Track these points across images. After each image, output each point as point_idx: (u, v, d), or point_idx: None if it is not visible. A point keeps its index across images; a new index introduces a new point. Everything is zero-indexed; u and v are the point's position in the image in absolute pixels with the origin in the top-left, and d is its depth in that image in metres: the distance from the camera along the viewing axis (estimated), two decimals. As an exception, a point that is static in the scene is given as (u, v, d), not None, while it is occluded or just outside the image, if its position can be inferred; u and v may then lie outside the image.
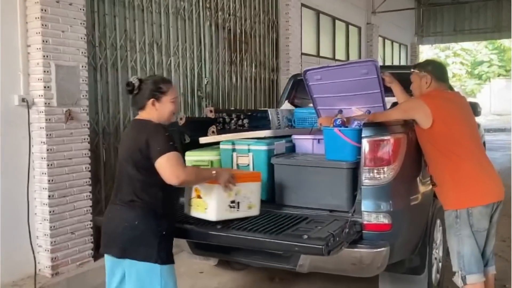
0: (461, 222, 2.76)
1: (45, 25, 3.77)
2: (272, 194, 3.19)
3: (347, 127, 3.13)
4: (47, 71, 3.79)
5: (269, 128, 3.93)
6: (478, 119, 3.70)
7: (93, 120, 4.42)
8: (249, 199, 2.82)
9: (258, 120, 4.18)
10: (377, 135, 2.79)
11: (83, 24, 4.10)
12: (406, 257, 3.06)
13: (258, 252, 2.89)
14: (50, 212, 3.81)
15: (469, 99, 3.46)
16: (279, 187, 3.16)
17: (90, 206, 4.15)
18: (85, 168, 4.10)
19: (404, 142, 2.88)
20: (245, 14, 6.89)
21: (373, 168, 2.77)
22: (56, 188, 3.85)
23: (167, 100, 2.52)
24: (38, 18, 3.73)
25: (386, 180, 2.77)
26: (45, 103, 3.79)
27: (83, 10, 4.08)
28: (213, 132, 3.76)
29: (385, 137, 2.79)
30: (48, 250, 3.83)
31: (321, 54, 9.79)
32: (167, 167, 2.34)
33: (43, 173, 3.81)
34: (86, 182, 4.11)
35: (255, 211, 2.87)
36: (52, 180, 3.82)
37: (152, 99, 2.49)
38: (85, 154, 4.10)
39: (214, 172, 2.64)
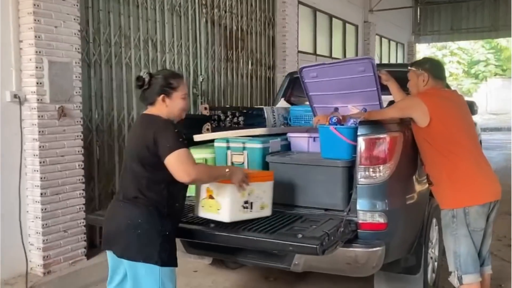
0: (458, 221, 2.73)
1: (38, 21, 3.71)
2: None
3: (343, 125, 3.10)
4: (40, 67, 3.74)
5: (264, 126, 3.90)
6: (474, 118, 3.67)
7: (87, 117, 4.37)
8: (262, 199, 2.74)
9: (253, 118, 4.15)
10: (373, 133, 2.77)
11: (77, 19, 4.05)
12: (401, 256, 3.04)
13: (253, 251, 2.86)
14: (42, 210, 3.77)
15: (466, 98, 3.44)
16: (273, 185, 3.12)
17: (83, 204, 4.11)
18: (78, 165, 4.06)
19: (400, 140, 2.86)
20: (241, 11, 6.85)
21: (368, 166, 2.75)
22: (48, 186, 3.81)
23: (178, 97, 2.44)
24: (31, 13, 3.68)
25: (382, 179, 2.75)
26: (38, 100, 3.74)
27: (77, 5, 4.03)
28: (207, 129, 3.73)
29: (381, 136, 2.76)
30: (40, 249, 3.79)
31: (318, 52, 9.76)
32: (177, 164, 2.27)
33: (35, 171, 3.76)
34: (79, 179, 4.07)
35: (267, 212, 2.79)
36: (45, 178, 3.78)
37: (162, 95, 2.41)
38: (78, 151, 4.05)
39: (227, 170, 2.55)
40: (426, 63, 3.03)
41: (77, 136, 4.04)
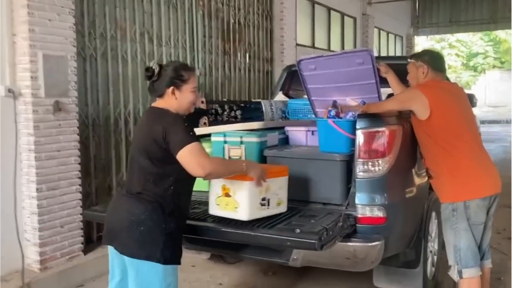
0: (458, 215, 2.70)
1: (32, 14, 3.66)
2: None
3: (341, 118, 3.06)
4: (34, 61, 3.69)
5: (262, 120, 3.87)
6: (474, 111, 3.64)
7: (83, 111, 4.32)
8: (278, 195, 2.68)
9: (251, 112, 4.12)
10: (372, 126, 2.73)
11: (72, 12, 3.99)
12: (401, 250, 3.01)
13: (251, 246, 2.83)
14: (38, 205, 3.73)
15: (465, 91, 3.40)
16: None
17: (80, 199, 4.07)
18: (75, 160, 4.02)
19: (400, 133, 2.83)
20: (239, 4, 6.79)
21: (367, 160, 2.71)
22: (44, 181, 3.77)
23: (188, 89, 2.36)
24: (24, 6, 3.62)
25: (381, 173, 2.72)
26: (32, 94, 3.69)
27: (72, -2, 3.98)
28: (204, 123, 3.69)
29: (380, 129, 2.73)
30: (36, 244, 3.75)
31: (316, 45, 9.71)
32: (190, 158, 2.20)
33: (30, 166, 3.72)
34: (75, 174, 4.03)
35: (283, 208, 2.74)
36: (40, 173, 3.74)
37: (172, 87, 2.33)
38: (74, 146, 4.01)
39: (244, 164, 2.45)
40: (425, 55, 2.99)
41: (73, 130, 4.00)
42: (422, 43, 23.10)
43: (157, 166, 2.26)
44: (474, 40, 30.44)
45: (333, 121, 3.02)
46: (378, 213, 2.69)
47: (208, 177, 2.32)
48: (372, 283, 3.24)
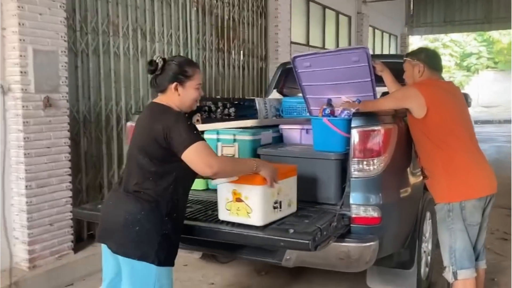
0: (454, 215, 2.67)
1: (22, 7, 3.59)
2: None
3: (336, 116, 3.02)
4: (24, 56, 3.62)
5: (256, 118, 3.83)
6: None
7: (73, 107, 4.25)
8: (289, 196, 2.61)
9: (245, 109, 4.08)
10: (367, 125, 2.69)
11: (63, 7, 3.92)
12: (395, 251, 2.98)
13: (243, 245, 2.78)
14: (27, 203, 3.67)
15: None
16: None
17: (70, 197, 4.01)
18: (65, 157, 3.95)
19: (395, 132, 2.79)
20: (233, 1, 6.73)
21: (362, 159, 2.67)
22: (34, 178, 3.70)
23: (191, 86, 2.28)
24: (14, -1, 3.56)
25: (376, 172, 2.68)
26: (22, 89, 3.63)
27: (63, -8, 3.91)
28: (197, 120, 3.63)
29: (376, 128, 2.69)
30: (25, 242, 3.69)
31: (310, 43, 9.67)
32: (197, 158, 2.12)
33: (19, 162, 3.66)
34: (65, 172, 3.96)
35: (293, 208, 2.67)
36: (30, 170, 3.67)
37: (175, 83, 2.25)
38: (65, 142, 3.95)
39: (255, 163, 2.35)
40: (421, 53, 2.96)
41: (64, 127, 3.93)
42: (416, 42, 23.14)
43: (156, 165, 2.19)
44: (467, 40, 30.51)
45: (328, 120, 2.98)
46: (373, 213, 2.65)
47: (216, 176, 2.26)
48: (365, 284, 3.21)
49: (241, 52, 6.95)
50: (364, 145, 2.68)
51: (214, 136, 3.30)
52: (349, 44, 11.55)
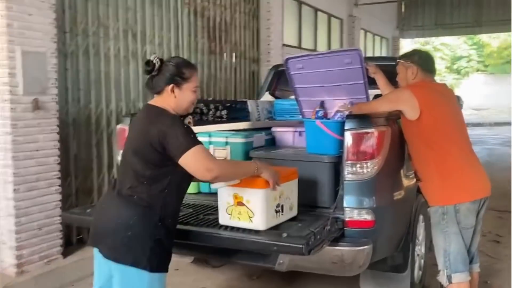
0: (448, 219, 2.65)
1: (10, 8, 3.53)
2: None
3: (329, 118, 3.00)
4: (12, 57, 3.56)
5: (248, 120, 3.80)
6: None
7: (63, 110, 4.18)
8: (290, 200, 2.57)
9: (237, 112, 4.05)
10: (361, 127, 2.67)
11: (52, 7, 3.87)
12: (389, 254, 2.96)
13: (235, 250, 2.74)
14: (15, 207, 3.60)
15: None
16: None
17: (59, 201, 3.95)
18: (54, 160, 3.89)
19: (388, 135, 2.77)
20: (225, 2, 6.70)
21: (356, 162, 2.65)
22: (22, 182, 3.64)
23: (189, 88, 2.22)
24: (2, -1, 3.50)
25: (369, 175, 2.65)
26: (10, 91, 3.57)
27: (52, -8, 3.86)
28: (189, 123, 3.58)
29: (369, 130, 2.66)
30: (13, 247, 3.62)
31: (302, 46, 9.68)
32: (195, 162, 2.07)
33: (7, 166, 3.59)
34: (55, 175, 3.90)
35: (294, 212, 2.64)
36: (18, 173, 3.60)
37: (172, 85, 2.18)
38: (54, 145, 3.89)
39: (256, 166, 2.29)
40: (415, 55, 2.94)
41: (53, 129, 3.88)
42: (407, 45, 23.30)
43: (151, 169, 2.14)
44: (458, 44, 30.78)
45: (321, 122, 2.95)
46: (367, 217, 2.63)
47: (215, 180, 2.21)
48: (359, 288, 3.18)
49: (233, 54, 6.92)
50: (357, 148, 2.65)
51: (206, 139, 3.25)
52: (341, 46, 11.57)
